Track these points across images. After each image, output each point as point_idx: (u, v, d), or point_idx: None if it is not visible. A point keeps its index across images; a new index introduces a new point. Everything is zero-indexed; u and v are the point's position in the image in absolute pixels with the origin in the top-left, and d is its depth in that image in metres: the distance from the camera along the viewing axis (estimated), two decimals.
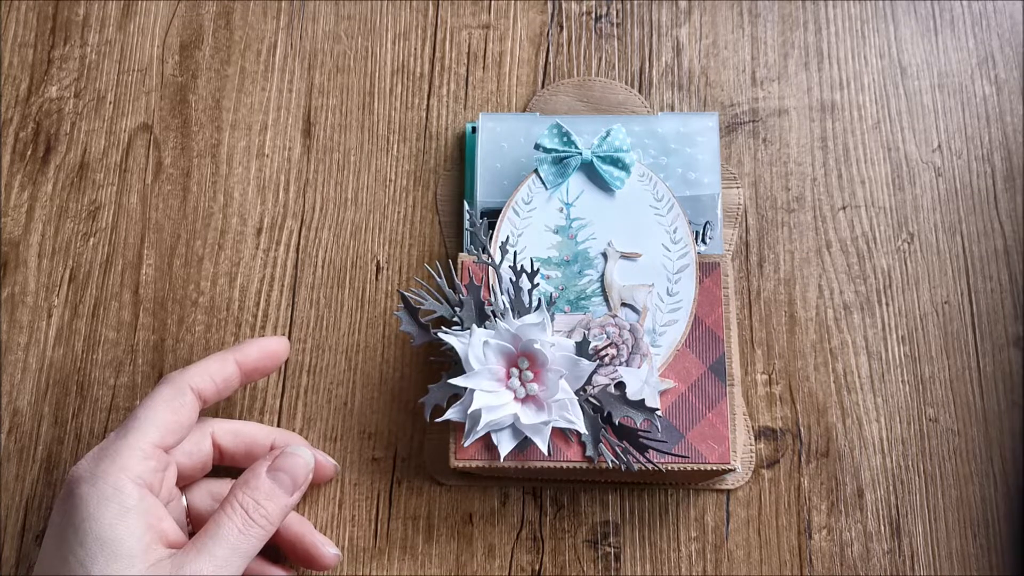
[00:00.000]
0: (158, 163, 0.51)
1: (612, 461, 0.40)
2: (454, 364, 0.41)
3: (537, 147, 0.46)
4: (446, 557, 0.44)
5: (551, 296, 0.43)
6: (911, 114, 0.50)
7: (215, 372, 0.40)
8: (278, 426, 0.46)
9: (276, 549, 0.42)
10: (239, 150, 0.51)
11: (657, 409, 0.40)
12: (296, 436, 0.44)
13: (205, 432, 0.41)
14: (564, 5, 0.53)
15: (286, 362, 0.47)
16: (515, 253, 0.43)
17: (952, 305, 0.47)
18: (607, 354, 0.42)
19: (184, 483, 0.40)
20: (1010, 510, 0.44)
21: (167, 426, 0.37)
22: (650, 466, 0.40)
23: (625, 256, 0.44)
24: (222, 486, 0.41)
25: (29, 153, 0.51)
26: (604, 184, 0.45)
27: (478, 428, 0.39)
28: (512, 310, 0.41)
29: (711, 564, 0.44)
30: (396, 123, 0.51)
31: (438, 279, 0.42)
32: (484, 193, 0.47)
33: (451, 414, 0.40)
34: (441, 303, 0.42)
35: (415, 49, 0.53)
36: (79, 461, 0.36)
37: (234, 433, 0.42)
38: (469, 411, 0.39)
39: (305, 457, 0.38)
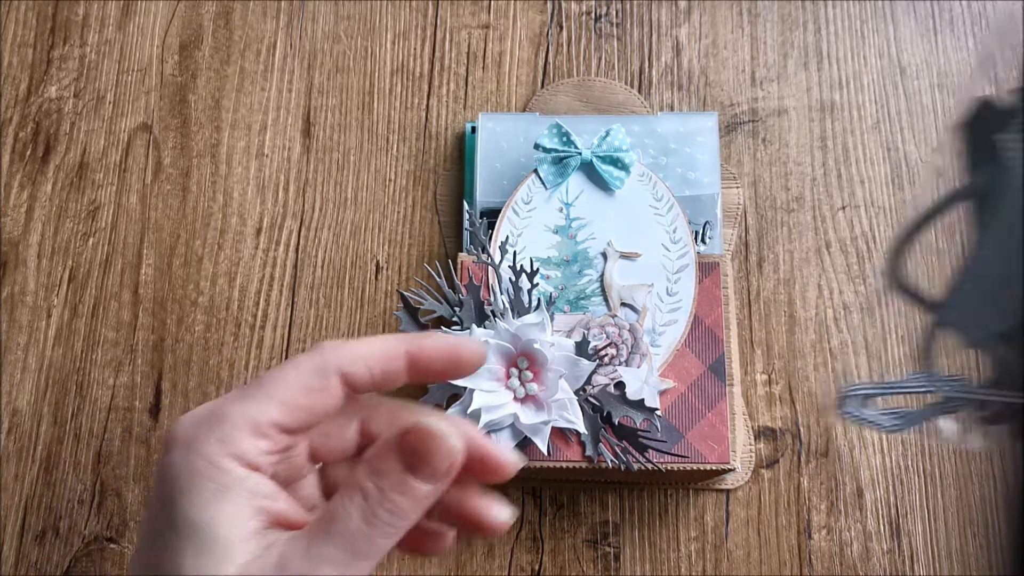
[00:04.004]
0: (157, 163, 0.51)
1: (612, 461, 0.40)
2: None
3: (537, 147, 0.46)
4: (446, 557, 0.44)
5: (551, 296, 0.43)
6: (911, 114, 0.50)
7: (376, 362, 0.31)
8: None
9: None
10: (239, 150, 0.51)
11: (657, 409, 0.40)
12: (468, 424, 0.32)
13: (353, 417, 0.32)
14: (564, 5, 0.53)
15: None
16: (515, 253, 0.43)
17: None
18: (607, 354, 0.42)
19: (318, 462, 0.33)
20: (1010, 510, 0.44)
21: (296, 408, 0.29)
22: (650, 466, 0.40)
23: (625, 256, 0.44)
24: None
25: (29, 153, 0.51)
26: (604, 184, 0.45)
27: (478, 428, 0.39)
28: (512, 310, 0.41)
29: (711, 564, 0.44)
30: (396, 123, 0.51)
31: (438, 279, 0.42)
32: (484, 193, 0.47)
33: (451, 414, 0.40)
34: (441, 303, 0.42)
35: (415, 49, 0.53)
36: (185, 414, 0.29)
37: (390, 421, 0.32)
38: (469, 411, 0.39)
39: (450, 443, 0.29)
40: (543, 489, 0.45)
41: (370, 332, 0.48)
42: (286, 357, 0.47)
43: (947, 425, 0.30)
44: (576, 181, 0.46)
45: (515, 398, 0.40)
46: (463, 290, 0.42)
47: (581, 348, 0.40)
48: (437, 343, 0.31)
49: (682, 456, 0.41)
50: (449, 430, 0.29)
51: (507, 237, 0.45)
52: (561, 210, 0.45)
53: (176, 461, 0.27)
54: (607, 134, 0.46)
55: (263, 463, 0.28)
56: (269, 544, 0.27)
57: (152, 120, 0.52)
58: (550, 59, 0.52)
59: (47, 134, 0.52)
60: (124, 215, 0.50)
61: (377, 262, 0.49)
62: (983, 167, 0.24)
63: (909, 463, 0.45)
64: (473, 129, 0.50)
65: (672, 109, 0.51)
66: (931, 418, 0.29)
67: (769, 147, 0.50)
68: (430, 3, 0.53)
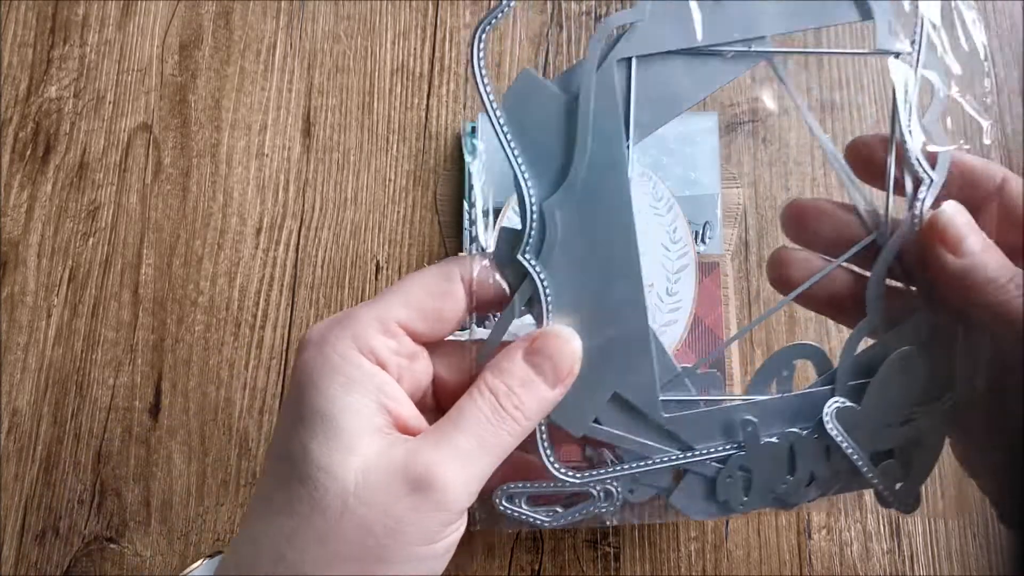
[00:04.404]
0: (157, 163, 0.51)
1: (611, 460, 0.40)
2: None
3: None
4: None
5: None
6: None
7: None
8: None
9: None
10: (239, 150, 0.51)
11: None
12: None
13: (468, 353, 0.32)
14: (564, 5, 0.53)
15: (285, 362, 0.47)
16: None
17: None
18: None
19: (439, 393, 0.33)
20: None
21: (420, 308, 0.30)
22: None
23: None
24: None
25: (29, 153, 0.51)
26: None
27: None
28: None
29: (711, 564, 0.43)
30: (396, 123, 0.51)
31: None
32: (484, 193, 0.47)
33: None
34: None
35: (415, 49, 0.53)
36: (317, 323, 0.30)
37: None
38: None
39: (571, 342, 0.30)
40: None
41: None
42: (286, 357, 0.48)
43: (605, 509, 0.32)
44: None
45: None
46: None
47: None
48: None
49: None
50: (573, 335, 0.30)
51: None
52: None
53: (310, 357, 0.28)
54: None
55: (391, 363, 0.29)
56: (391, 443, 0.27)
57: (152, 120, 0.52)
58: (550, 59, 0.52)
59: (47, 134, 0.52)
60: (124, 215, 0.50)
61: (377, 262, 0.49)
62: (522, 279, 0.30)
63: None
64: (473, 129, 0.50)
65: None
66: (584, 510, 0.32)
67: (769, 147, 0.50)
68: (430, 3, 0.53)
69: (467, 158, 0.48)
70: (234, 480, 0.46)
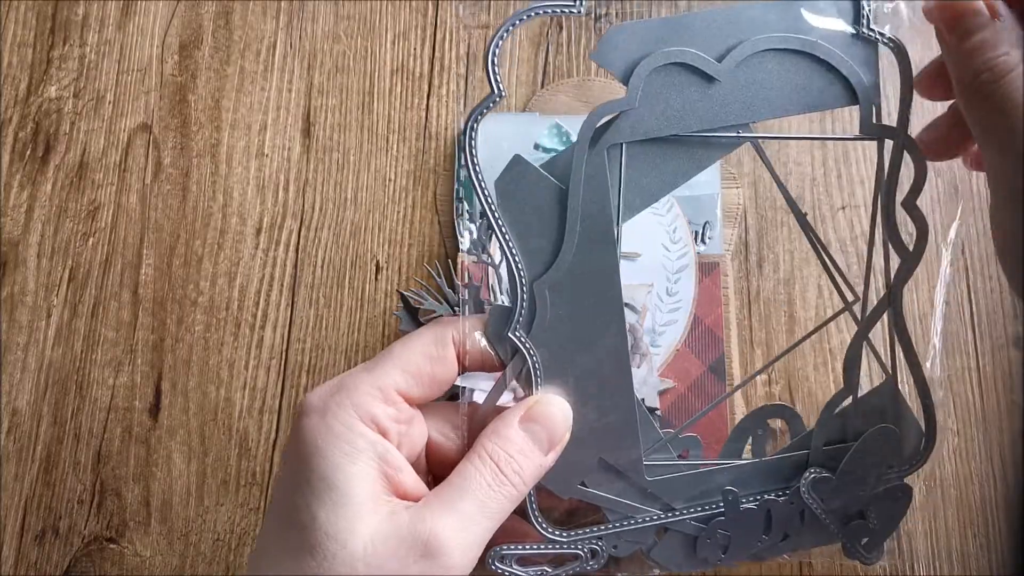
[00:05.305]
0: (157, 163, 0.51)
1: None
2: None
3: (537, 147, 0.46)
4: None
5: None
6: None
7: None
8: (277, 427, 0.46)
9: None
10: (238, 150, 0.51)
11: (656, 409, 0.40)
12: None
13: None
14: None
15: (285, 362, 0.47)
16: None
17: (951, 305, 0.47)
18: None
19: (433, 460, 0.35)
20: (1010, 510, 0.44)
21: (417, 374, 0.31)
22: None
23: (624, 256, 0.44)
24: None
25: (28, 153, 0.51)
26: None
27: None
28: None
29: None
30: (395, 123, 0.51)
31: (437, 279, 0.42)
32: None
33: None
34: (441, 303, 0.42)
35: (415, 49, 0.53)
36: (315, 388, 0.31)
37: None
38: None
39: (564, 411, 0.32)
40: None
41: (370, 332, 0.48)
42: (286, 357, 0.48)
43: (591, 567, 0.34)
44: None
45: (515, 398, 0.40)
46: (463, 290, 0.42)
47: None
48: None
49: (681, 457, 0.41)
50: (564, 403, 0.32)
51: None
52: None
53: (313, 425, 0.29)
54: None
55: (392, 430, 0.30)
56: (394, 510, 0.29)
57: (152, 120, 0.52)
58: (550, 59, 0.52)
59: (47, 134, 0.52)
60: (124, 215, 0.50)
61: (377, 262, 0.49)
62: (513, 352, 0.31)
63: None
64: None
65: None
66: (571, 569, 0.34)
67: (769, 147, 0.50)
68: (430, 3, 0.53)
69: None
70: (234, 480, 0.46)
